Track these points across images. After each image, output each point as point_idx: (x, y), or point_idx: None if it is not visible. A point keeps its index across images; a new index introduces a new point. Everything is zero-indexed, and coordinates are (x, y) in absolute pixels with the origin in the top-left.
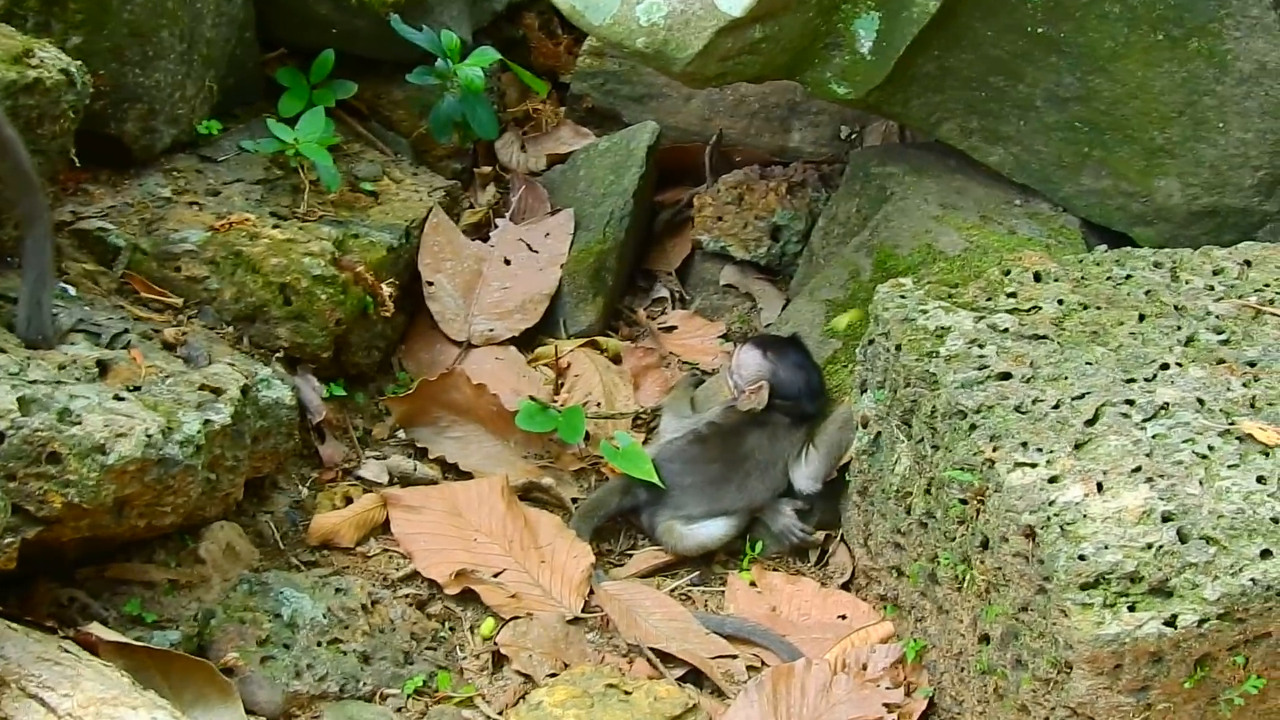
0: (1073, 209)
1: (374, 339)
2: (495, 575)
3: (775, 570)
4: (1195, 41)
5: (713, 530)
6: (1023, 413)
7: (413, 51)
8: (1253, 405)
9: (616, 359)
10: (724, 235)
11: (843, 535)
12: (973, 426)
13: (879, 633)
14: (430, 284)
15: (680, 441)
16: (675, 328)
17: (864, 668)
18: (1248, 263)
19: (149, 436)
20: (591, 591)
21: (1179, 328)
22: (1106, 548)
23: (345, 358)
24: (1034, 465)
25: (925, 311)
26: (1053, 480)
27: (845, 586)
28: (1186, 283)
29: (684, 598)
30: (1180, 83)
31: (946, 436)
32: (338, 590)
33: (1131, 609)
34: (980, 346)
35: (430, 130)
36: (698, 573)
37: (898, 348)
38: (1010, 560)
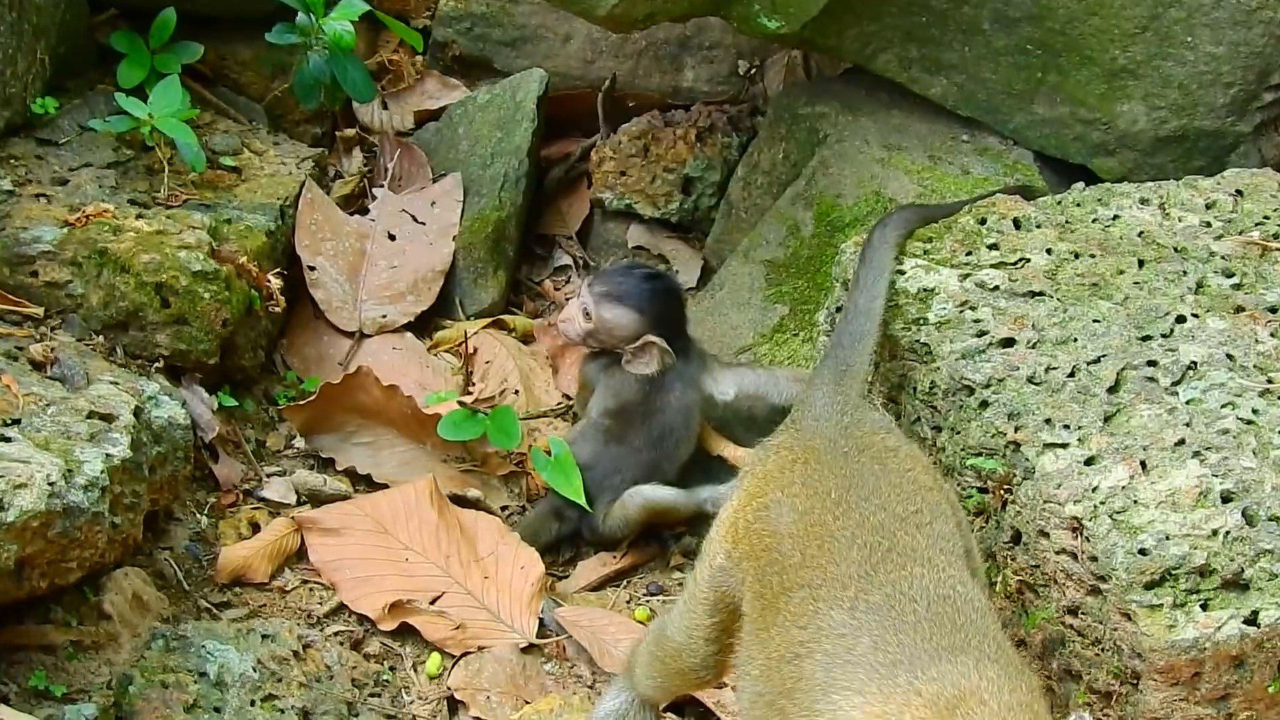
0: (1024, 141)
1: (258, 337)
2: (433, 601)
3: None
4: None
5: (658, 490)
6: (1037, 384)
7: (261, 6)
8: None
9: (527, 339)
10: (629, 192)
11: None
12: (984, 404)
13: None
14: (312, 269)
15: (590, 427)
16: None
17: None
18: (1239, 192)
19: (50, 484)
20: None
21: (1185, 273)
22: (1168, 538)
23: (230, 362)
24: (1065, 446)
25: (903, 272)
26: (1089, 462)
27: None
28: (1180, 220)
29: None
30: None
31: (952, 416)
32: (264, 637)
33: (1204, 607)
34: (972, 309)
35: (293, 94)
36: (653, 580)
37: None
38: (1052, 557)
